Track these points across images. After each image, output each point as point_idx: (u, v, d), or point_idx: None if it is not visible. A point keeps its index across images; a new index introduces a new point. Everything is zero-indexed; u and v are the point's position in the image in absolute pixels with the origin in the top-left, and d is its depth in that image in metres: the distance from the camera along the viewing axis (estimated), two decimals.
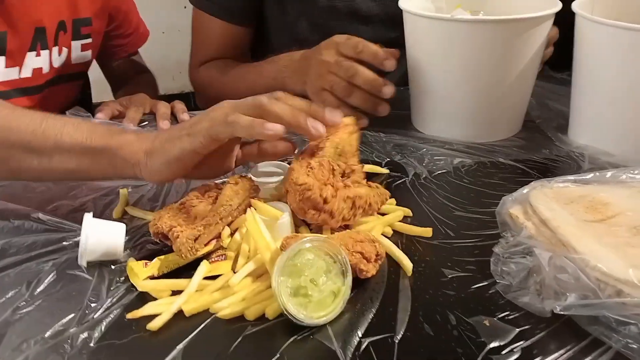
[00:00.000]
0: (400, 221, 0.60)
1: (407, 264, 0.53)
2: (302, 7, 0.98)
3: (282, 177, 0.62)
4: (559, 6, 0.74)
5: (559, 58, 0.88)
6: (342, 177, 0.61)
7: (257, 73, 0.93)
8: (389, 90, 0.76)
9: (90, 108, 1.13)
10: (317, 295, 0.47)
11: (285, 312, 0.46)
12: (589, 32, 0.71)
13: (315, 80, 0.79)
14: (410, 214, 0.62)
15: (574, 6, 0.73)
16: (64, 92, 0.99)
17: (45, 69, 0.91)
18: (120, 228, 0.57)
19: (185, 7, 1.08)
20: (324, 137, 0.59)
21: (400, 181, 0.70)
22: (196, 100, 1.09)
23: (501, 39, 0.72)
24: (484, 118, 0.78)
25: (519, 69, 0.75)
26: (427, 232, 0.58)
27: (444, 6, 0.85)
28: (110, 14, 1.03)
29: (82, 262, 0.55)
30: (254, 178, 0.62)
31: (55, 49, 0.92)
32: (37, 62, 0.90)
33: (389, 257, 0.55)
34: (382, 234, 0.58)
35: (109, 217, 0.63)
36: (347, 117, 0.64)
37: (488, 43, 0.72)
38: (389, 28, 0.83)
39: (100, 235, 0.56)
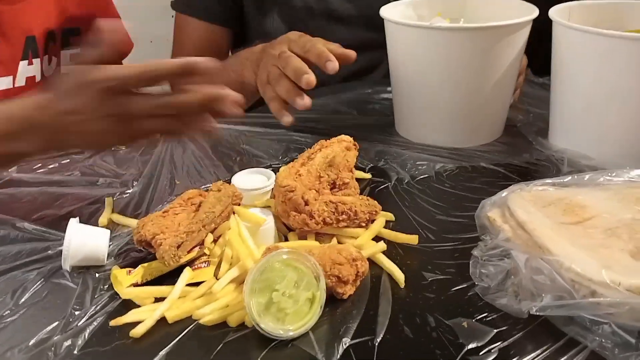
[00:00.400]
0: (383, 226, 0.61)
1: (399, 276, 0.54)
2: (279, 7, 1.00)
3: (267, 184, 0.63)
4: (535, 13, 0.76)
5: (542, 63, 0.90)
6: (333, 188, 0.62)
7: (221, 68, 0.94)
8: (306, 79, 0.73)
9: None
10: (292, 307, 0.47)
11: (261, 331, 0.47)
12: (566, 38, 0.73)
13: (262, 72, 0.80)
14: (393, 218, 0.63)
15: (551, 13, 0.74)
16: None
17: (38, 77, 0.92)
18: (104, 233, 0.58)
19: (172, 17, 1.09)
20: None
21: (383, 186, 0.71)
22: None
23: (480, 46, 0.73)
24: (466, 124, 0.79)
25: (498, 75, 0.76)
26: (413, 239, 0.59)
27: (426, 14, 0.87)
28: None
29: (66, 265, 0.56)
30: (236, 185, 0.63)
31: (45, 58, 0.93)
32: (30, 70, 0.91)
33: (370, 261, 0.56)
34: (375, 250, 0.56)
35: (95, 226, 0.63)
36: (345, 135, 0.67)
37: (467, 50, 0.73)
38: (367, 29, 0.84)
39: (84, 239, 0.56)
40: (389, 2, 0.85)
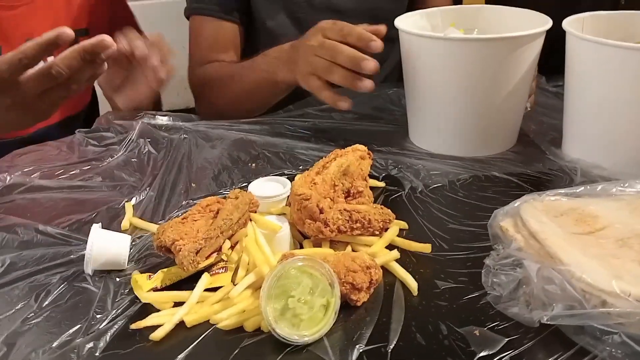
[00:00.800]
0: (397, 235, 0.62)
1: (412, 284, 0.55)
2: (283, 3, 1.04)
3: (282, 192, 0.64)
4: (549, 24, 0.76)
5: (553, 72, 0.90)
6: (347, 197, 0.63)
7: (249, 68, 0.96)
8: (368, 64, 0.75)
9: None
10: (307, 313, 0.48)
11: (277, 336, 0.48)
12: (579, 49, 0.73)
13: (303, 65, 0.82)
14: (406, 227, 0.64)
15: (565, 24, 0.75)
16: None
17: None
18: (125, 239, 0.60)
19: (187, 23, 1.11)
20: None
21: (396, 195, 0.72)
22: (195, 104, 1.12)
23: (493, 56, 0.74)
24: (479, 133, 0.80)
25: (512, 86, 0.77)
26: (426, 248, 0.60)
27: (440, 23, 0.88)
28: (110, 27, 1.06)
29: (88, 269, 0.58)
30: (253, 192, 0.64)
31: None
32: None
33: (384, 269, 0.57)
34: (389, 258, 0.57)
35: (116, 230, 0.65)
36: (359, 144, 0.69)
37: (481, 61, 0.74)
38: (368, 21, 0.86)
39: (105, 244, 0.58)
40: None
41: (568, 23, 0.75)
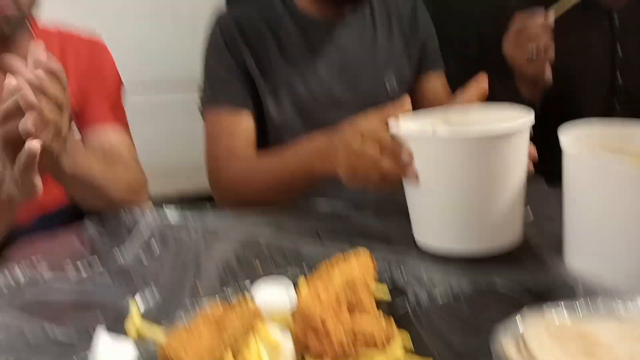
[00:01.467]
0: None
1: None
2: (288, 95, 1.12)
3: (286, 303, 0.65)
4: (531, 116, 0.80)
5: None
6: (350, 307, 0.64)
7: (281, 163, 1.02)
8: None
9: None
10: None
11: None
12: (575, 165, 0.75)
13: (345, 167, 0.88)
14: (409, 340, 0.64)
15: (561, 137, 0.77)
16: None
17: None
18: (129, 351, 0.60)
19: (173, 86, 1.15)
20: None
21: (400, 303, 0.72)
22: (215, 200, 1.13)
23: (480, 152, 0.78)
24: (478, 230, 0.81)
25: (506, 180, 0.79)
26: None
27: (429, 126, 0.90)
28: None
29: None
30: (257, 299, 0.65)
31: None
32: None
33: None
34: None
35: (121, 332, 0.65)
36: (362, 248, 0.70)
37: (468, 157, 0.78)
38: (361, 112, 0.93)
39: (109, 357, 0.58)
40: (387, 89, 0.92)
41: (564, 138, 0.77)
